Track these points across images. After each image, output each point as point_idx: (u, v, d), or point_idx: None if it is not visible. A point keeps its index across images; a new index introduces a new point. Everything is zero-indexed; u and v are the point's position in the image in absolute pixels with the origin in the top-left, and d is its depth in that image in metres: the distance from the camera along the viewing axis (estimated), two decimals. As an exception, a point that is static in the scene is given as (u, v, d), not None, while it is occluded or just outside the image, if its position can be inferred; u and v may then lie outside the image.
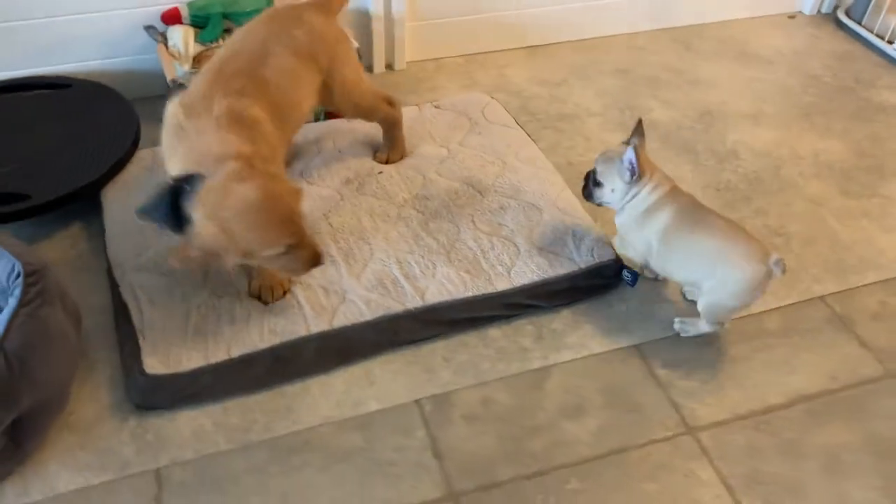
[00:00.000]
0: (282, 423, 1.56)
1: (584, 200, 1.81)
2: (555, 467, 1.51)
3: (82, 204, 1.94)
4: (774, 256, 1.60)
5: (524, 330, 1.76)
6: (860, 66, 2.70)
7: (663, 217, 1.68)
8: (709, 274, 1.65)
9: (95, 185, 1.90)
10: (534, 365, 1.69)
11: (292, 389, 1.62)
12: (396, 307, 1.67)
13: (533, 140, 2.20)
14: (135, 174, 1.97)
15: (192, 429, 1.54)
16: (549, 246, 1.84)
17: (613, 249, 1.84)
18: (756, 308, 1.82)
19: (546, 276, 1.76)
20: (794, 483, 1.50)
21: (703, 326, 1.72)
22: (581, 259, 1.80)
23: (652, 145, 2.27)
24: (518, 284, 1.75)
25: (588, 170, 1.78)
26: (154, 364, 1.54)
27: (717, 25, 2.86)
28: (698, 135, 2.35)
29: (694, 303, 1.72)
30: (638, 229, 1.72)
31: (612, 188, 1.72)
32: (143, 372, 1.53)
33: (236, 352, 1.57)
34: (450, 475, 1.49)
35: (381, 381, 1.64)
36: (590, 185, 1.77)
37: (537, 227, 1.89)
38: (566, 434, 1.57)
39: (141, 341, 1.58)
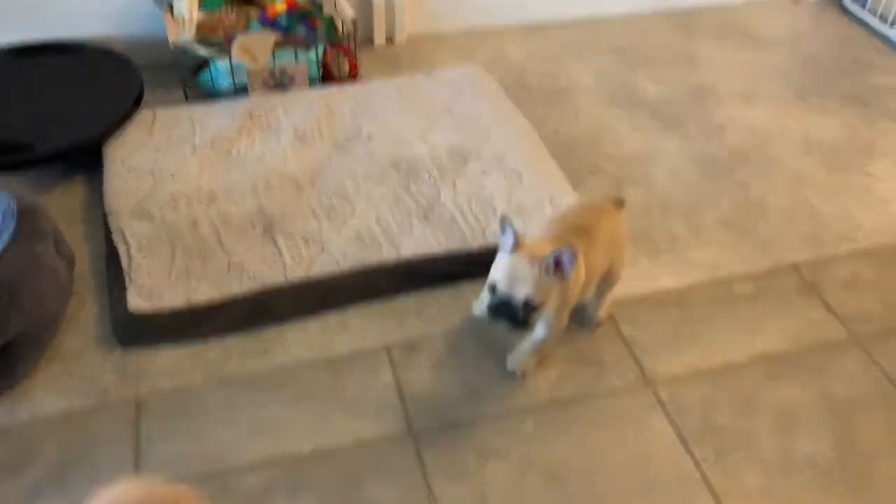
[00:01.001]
0: (255, 362, 1.64)
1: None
2: (513, 411, 1.57)
3: (85, 161, 2.06)
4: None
5: (497, 287, 1.83)
6: (860, 50, 2.70)
7: None
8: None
9: (97, 141, 2.01)
10: (503, 319, 1.76)
11: (269, 332, 1.70)
12: (372, 259, 1.74)
13: (521, 111, 2.26)
14: (136, 132, 2.07)
15: (171, 363, 1.63)
16: (527, 209, 1.90)
17: (589, 213, 1.90)
18: (727, 274, 1.86)
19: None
20: (745, 435, 1.54)
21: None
22: (555, 221, 1.86)
23: (641, 120, 2.33)
24: (491, 242, 1.81)
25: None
26: (138, 303, 1.63)
27: (719, 9, 2.89)
28: (688, 111, 2.38)
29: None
30: None
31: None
32: (126, 309, 1.63)
33: (216, 295, 1.66)
34: (411, 414, 1.56)
35: (354, 328, 1.72)
36: (512, 316, 1.46)
37: (516, 191, 1.94)
38: (527, 382, 1.63)
39: (127, 282, 1.67)
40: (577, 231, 1.53)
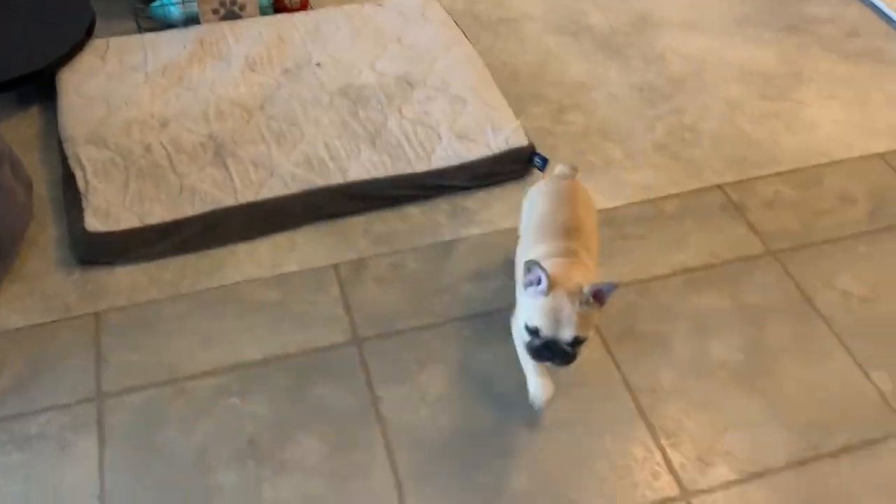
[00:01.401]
0: (208, 280, 1.74)
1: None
2: (452, 319, 1.69)
3: (40, 90, 2.09)
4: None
5: (440, 208, 1.92)
6: (801, -20, 2.78)
7: None
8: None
9: (51, 70, 2.05)
10: (445, 238, 1.86)
11: (221, 253, 1.79)
12: (319, 182, 1.83)
13: (469, 40, 2.32)
14: (89, 61, 2.11)
15: (128, 281, 1.72)
16: (470, 134, 1.99)
17: (527, 137, 1.99)
18: (657, 194, 1.98)
19: (462, 161, 1.92)
20: (663, 339, 1.68)
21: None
22: (496, 145, 1.95)
23: (585, 47, 2.41)
24: (436, 167, 1.90)
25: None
26: (94, 223, 1.71)
27: (667, -62, 2.94)
28: (630, 39, 2.46)
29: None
30: None
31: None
32: (84, 230, 1.71)
33: (169, 216, 1.75)
34: (356, 324, 1.68)
35: (303, 248, 1.82)
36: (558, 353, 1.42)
37: (461, 117, 2.03)
38: (466, 293, 1.74)
39: (84, 204, 1.75)
40: (569, 232, 1.50)
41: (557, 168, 1.66)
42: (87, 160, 1.84)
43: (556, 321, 1.34)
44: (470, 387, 1.59)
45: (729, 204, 1.97)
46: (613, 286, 1.34)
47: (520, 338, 1.47)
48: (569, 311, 1.34)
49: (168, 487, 1.42)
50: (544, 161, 1.96)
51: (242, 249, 1.80)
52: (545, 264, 1.37)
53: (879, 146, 2.15)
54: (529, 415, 1.53)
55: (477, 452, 1.49)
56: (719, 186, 2.01)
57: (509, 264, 1.78)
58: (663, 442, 1.52)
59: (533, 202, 1.63)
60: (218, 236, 1.77)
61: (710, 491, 1.45)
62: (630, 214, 1.93)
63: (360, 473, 1.46)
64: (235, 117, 1.96)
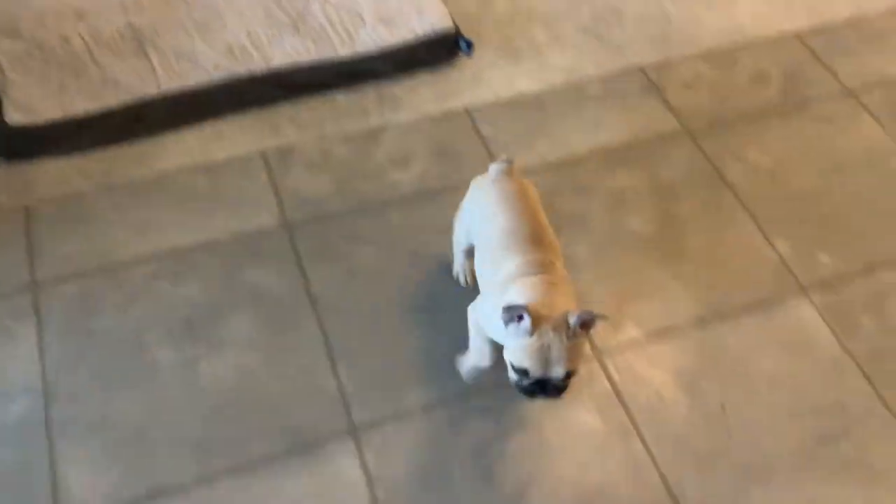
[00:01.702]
0: (137, 170, 1.76)
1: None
2: (379, 203, 1.75)
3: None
4: None
5: (367, 95, 1.95)
6: None
7: None
8: None
9: (-44, -41, 1.97)
10: (372, 124, 1.89)
11: (148, 143, 1.80)
12: (242, 70, 1.83)
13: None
14: (-4, -51, 2.03)
15: (56, 174, 1.73)
16: (394, 18, 1.99)
17: (453, 22, 2.00)
18: (580, 77, 2.02)
19: (386, 45, 1.93)
20: (580, 215, 1.77)
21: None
22: (421, 30, 1.96)
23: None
24: (360, 52, 1.91)
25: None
26: (15, 116, 1.70)
27: None
28: (559, -78, 2.44)
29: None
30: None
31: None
32: (5, 123, 1.70)
33: (92, 107, 1.74)
34: (285, 209, 1.73)
35: (230, 137, 1.83)
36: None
37: (385, 1, 2.02)
38: (392, 178, 1.80)
39: (3, 97, 1.73)
40: (537, 241, 1.39)
41: (493, 166, 1.49)
42: (3, 54, 1.80)
43: (546, 360, 1.24)
44: (397, 265, 1.66)
45: (649, 85, 2.03)
46: (601, 316, 1.24)
47: (475, 323, 1.42)
48: (557, 347, 1.23)
49: (107, 368, 1.49)
50: (469, 45, 1.98)
51: (170, 139, 1.81)
52: (522, 290, 1.29)
53: (795, 24, 2.21)
54: (455, 288, 1.63)
55: (405, 324, 1.58)
56: (641, 68, 2.06)
57: (436, 147, 1.84)
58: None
59: (482, 210, 1.47)
60: (144, 127, 1.78)
61: (620, 350, 1.58)
62: (553, 97, 1.98)
63: (293, 349, 1.54)
64: (156, 7, 1.92)
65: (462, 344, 1.45)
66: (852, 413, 1.52)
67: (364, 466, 1.40)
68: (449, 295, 1.61)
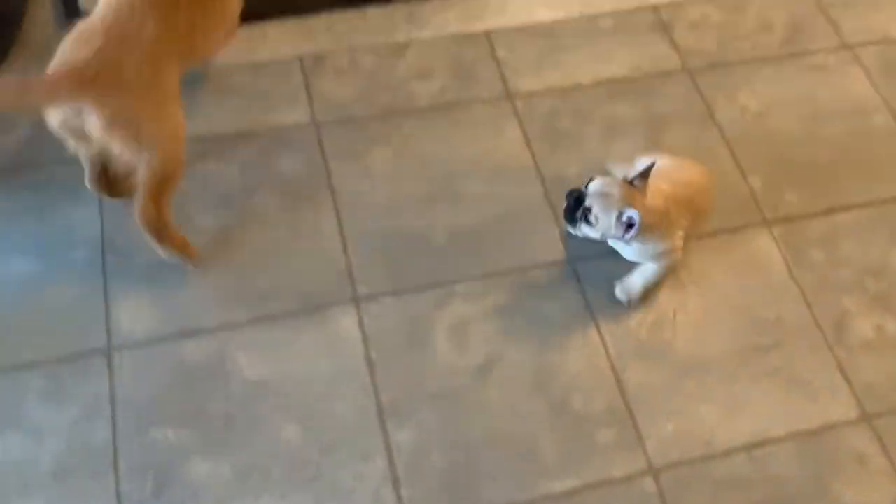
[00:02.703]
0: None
1: (567, 224, 1.65)
2: (397, 112, 1.97)
3: None
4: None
5: (398, 10, 2.14)
6: None
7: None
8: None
9: None
10: (399, 39, 2.09)
11: (201, 39, 2.04)
12: (287, -22, 2.04)
13: None
14: None
15: (119, 61, 1.98)
16: (429, -58, 2.16)
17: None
18: (595, 10, 2.18)
19: (419, -34, 2.10)
20: (576, 137, 1.97)
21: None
22: (452, -45, 2.13)
23: None
24: (395, -29, 2.10)
25: (573, 189, 1.63)
26: None
27: None
28: None
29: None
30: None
31: (604, 233, 1.61)
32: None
33: None
34: (315, 109, 1.95)
35: (273, 39, 2.06)
36: (577, 214, 1.61)
37: (423, -75, 2.18)
38: (412, 90, 2.01)
39: (77, -15, 1.97)
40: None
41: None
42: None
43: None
44: (408, 166, 1.89)
45: (658, 23, 2.18)
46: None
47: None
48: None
49: (156, 229, 1.77)
50: (494, -28, 2.15)
51: (219, 38, 2.04)
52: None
53: (810, -23, 2.33)
54: (454, 190, 1.86)
55: (406, 217, 1.82)
56: (653, 7, 2.21)
57: (455, 65, 2.03)
58: (561, 220, 1.85)
59: None
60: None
61: (596, 258, 1.80)
62: (567, 28, 2.15)
63: (312, 228, 1.80)
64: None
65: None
66: (787, 330, 1.74)
67: (362, 329, 1.68)
68: (449, 197, 1.85)
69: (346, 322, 1.69)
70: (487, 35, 2.12)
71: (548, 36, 2.14)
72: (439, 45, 2.10)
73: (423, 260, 1.78)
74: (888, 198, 1.95)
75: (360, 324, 1.69)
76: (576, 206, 1.60)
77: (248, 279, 1.73)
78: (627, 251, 1.70)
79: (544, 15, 2.17)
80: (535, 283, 1.77)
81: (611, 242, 1.69)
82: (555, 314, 1.73)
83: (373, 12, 2.13)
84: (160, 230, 1.63)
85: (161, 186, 1.58)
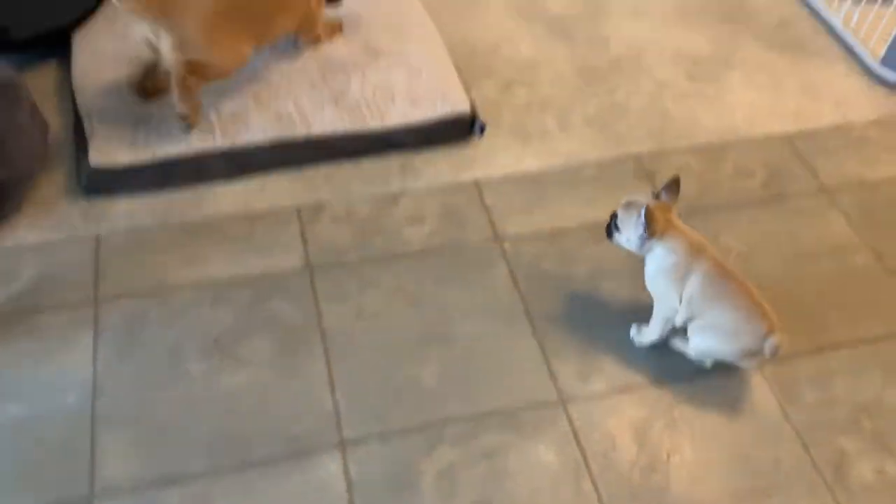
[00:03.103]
0: (192, 212, 2.09)
1: (607, 238, 1.86)
2: (390, 256, 2.04)
3: (59, 48, 2.42)
4: (772, 339, 1.72)
5: (392, 164, 2.26)
6: (747, -25, 3.05)
7: (691, 284, 1.76)
8: (719, 343, 1.78)
9: (68, 28, 2.38)
10: (393, 189, 2.19)
11: (203, 189, 2.14)
12: (286, 134, 2.17)
13: (434, 19, 2.62)
14: (101, 21, 2.44)
15: (126, 210, 2.08)
16: (420, 100, 2.30)
17: (471, 106, 2.30)
18: (580, 161, 2.29)
19: (410, 122, 2.24)
20: (564, 278, 2.02)
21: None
22: (442, 111, 2.27)
23: (539, 31, 2.70)
24: (388, 125, 2.23)
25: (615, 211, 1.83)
26: (97, 158, 2.06)
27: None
28: (581, 24, 2.75)
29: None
30: (664, 285, 1.80)
31: (628, 237, 1.81)
32: (88, 165, 2.06)
33: (160, 154, 2.09)
34: (310, 254, 2.02)
35: (271, 191, 2.16)
36: (611, 226, 1.85)
37: (415, 85, 2.34)
38: (404, 235, 2.09)
39: (90, 144, 2.10)
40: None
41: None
42: (94, 108, 2.18)
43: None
44: (399, 308, 1.93)
45: (641, 171, 2.29)
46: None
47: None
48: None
49: (146, 373, 1.79)
50: (482, 129, 2.28)
51: (221, 189, 2.14)
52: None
53: (784, 127, 2.45)
54: (444, 331, 1.88)
55: (397, 359, 1.84)
56: (636, 156, 2.32)
57: (445, 211, 2.12)
58: (550, 358, 1.86)
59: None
60: (200, 176, 2.12)
61: (584, 399, 1.79)
62: (553, 176, 2.25)
63: (301, 371, 1.81)
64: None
65: (450, 382, 1.70)
66: (784, 472, 1.70)
67: (347, 476, 1.65)
68: (438, 341, 1.87)
69: (331, 468, 1.66)
70: (476, 184, 2.22)
71: (534, 183, 2.23)
72: (431, 193, 2.19)
73: (412, 401, 1.78)
74: (877, 336, 1.96)
75: (346, 471, 1.66)
76: (611, 221, 1.85)
77: (235, 423, 1.72)
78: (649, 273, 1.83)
79: (530, 165, 2.28)
80: (526, 423, 1.75)
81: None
82: (545, 456, 1.70)
83: (369, 164, 2.25)
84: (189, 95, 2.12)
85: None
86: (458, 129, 2.29)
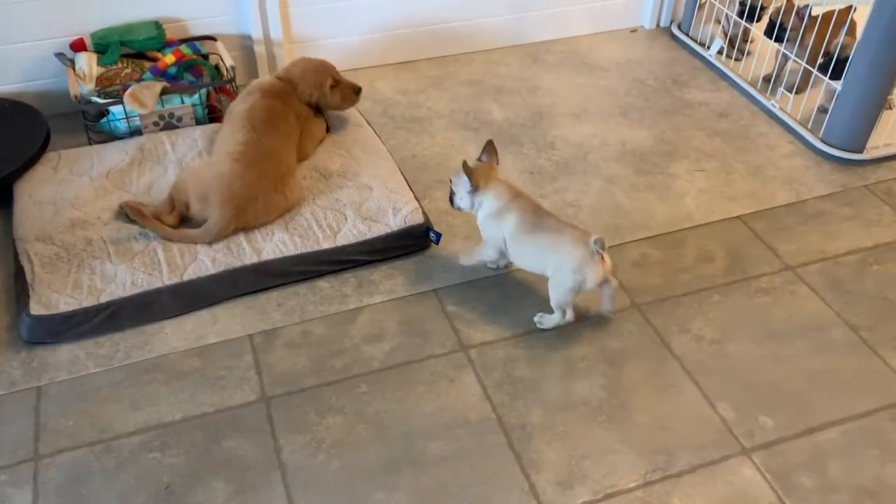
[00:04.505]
0: (139, 353, 1.98)
1: (451, 205, 2.15)
2: (350, 377, 1.93)
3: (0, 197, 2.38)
4: (593, 237, 1.95)
5: (347, 281, 2.19)
6: (681, 70, 3.16)
7: (509, 221, 2.04)
8: (548, 265, 2.01)
9: (9, 178, 2.35)
10: (350, 306, 2.12)
11: (150, 328, 2.04)
12: (236, 263, 2.10)
13: (383, 137, 2.65)
14: (42, 170, 2.41)
15: (68, 357, 1.96)
16: (373, 215, 2.27)
17: (424, 216, 2.28)
18: (539, 261, 2.25)
19: (364, 237, 2.20)
20: (535, 383, 1.92)
21: (555, 318, 2.04)
22: (396, 224, 2.24)
23: (483, 140, 2.72)
24: (341, 244, 2.18)
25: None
26: (38, 307, 1.97)
27: (565, 41, 3.33)
28: (526, 131, 2.79)
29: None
30: (492, 228, 2.08)
31: (461, 196, 2.11)
32: (29, 313, 1.96)
33: (104, 299, 2.00)
34: (265, 385, 1.91)
35: (223, 321, 2.07)
36: (451, 194, 2.14)
37: (366, 201, 2.32)
38: (364, 354, 1.99)
39: (30, 292, 2.01)
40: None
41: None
42: (35, 255, 2.11)
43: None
44: (363, 432, 1.81)
45: (602, 266, 2.25)
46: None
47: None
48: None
49: (91, 532, 1.62)
50: (438, 236, 2.24)
51: (170, 325, 2.05)
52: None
53: (738, 210, 2.45)
54: (414, 453, 1.76)
55: (365, 490, 1.70)
56: (594, 251, 2.29)
57: (405, 325, 2.04)
58: (528, 470, 1.73)
59: None
60: (148, 315, 2.03)
61: (568, 511, 1.66)
62: (513, 279, 2.20)
63: (262, 512, 1.66)
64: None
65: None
66: (794, 571, 1.56)
67: None
68: (407, 464, 1.74)
69: None
70: (436, 292, 2.16)
71: (495, 287, 2.17)
72: (390, 307, 2.12)
73: (385, 535, 1.63)
74: (866, 411, 1.87)
75: None
76: (450, 191, 2.16)
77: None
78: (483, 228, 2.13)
79: (489, 270, 2.23)
80: (509, 547, 1.61)
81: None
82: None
83: (323, 284, 2.18)
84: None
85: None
86: (414, 241, 2.24)
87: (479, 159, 2.15)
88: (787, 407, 1.87)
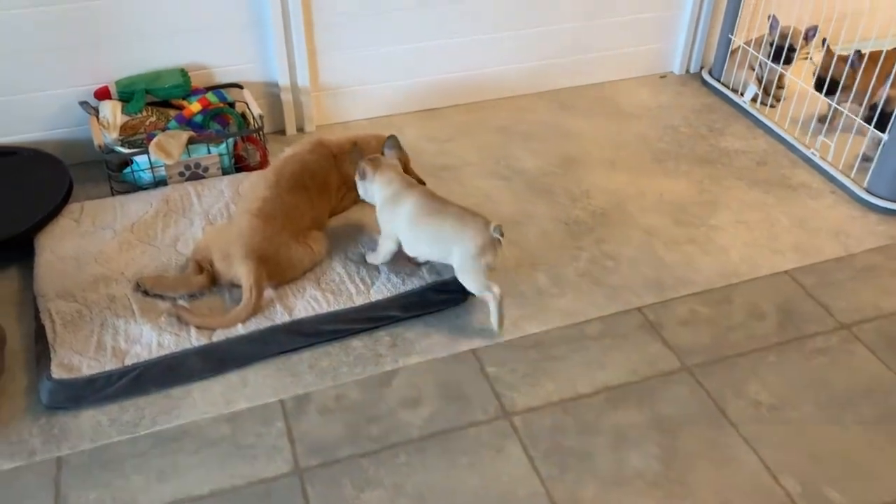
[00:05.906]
0: (165, 419, 1.87)
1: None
2: (388, 446, 1.82)
3: (20, 250, 2.30)
4: (493, 225, 2.00)
5: (382, 340, 2.09)
6: (714, 117, 3.09)
7: (406, 206, 2.08)
8: (451, 251, 2.04)
9: (29, 233, 2.27)
10: (385, 368, 2.01)
11: (177, 392, 1.94)
12: (267, 322, 2.01)
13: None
14: (64, 223, 2.33)
15: (91, 424, 1.86)
16: (406, 270, 2.18)
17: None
18: (580, 318, 2.15)
19: (398, 292, 2.11)
20: (585, 453, 1.81)
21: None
22: (429, 277, 2.15)
23: (517, 188, 2.65)
24: (374, 299, 2.09)
25: None
26: (60, 371, 1.87)
27: (592, 87, 3.27)
28: (558, 179, 2.71)
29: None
30: (389, 215, 2.12)
31: (363, 190, 2.18)
32: (50, 377, 1.86)
33: (129, 361, 1.90)
34: (298, 455, 1.80)
35: (253, 385, 1.97)
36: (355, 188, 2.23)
37: (400, 257, 2.23)
38: (402, 420, 1.88)
39: (52, 353, 1.91)
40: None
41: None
42: (57, 313, 2.02)
43: None
44: (404, 508, 1.70)
45: (646, 324, 2.14)
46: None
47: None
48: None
49: None
50: (475, 292, 2.15)
51: (197, 388, 1.95)
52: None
53: (786, 264, 2.36)
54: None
55: (410, 572, 1.58)
56: (638, 308, 2.19)
57: (444, 388, 1.93)
58: (584, 552, 1.62)
59: None
60: (175, 378, 1.92)
61: None
62: (555, 338, 2.10)
63: None
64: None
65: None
66: None
67: None
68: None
69: None
70: (475, 353, 2.06)
71: (536, 348, 2.07)
72: (427, 368, 2.01)
73: None
74: (942, 485, 1.75)
75: None
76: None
77: None
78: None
79: (531, 328, 2.13)
80: None
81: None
82: None
83: (356, 343, 2.08)
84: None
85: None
86: (448, 294, 2.15)
87: (381, 153, 2.22)
88: (857, 479, 1.76)
